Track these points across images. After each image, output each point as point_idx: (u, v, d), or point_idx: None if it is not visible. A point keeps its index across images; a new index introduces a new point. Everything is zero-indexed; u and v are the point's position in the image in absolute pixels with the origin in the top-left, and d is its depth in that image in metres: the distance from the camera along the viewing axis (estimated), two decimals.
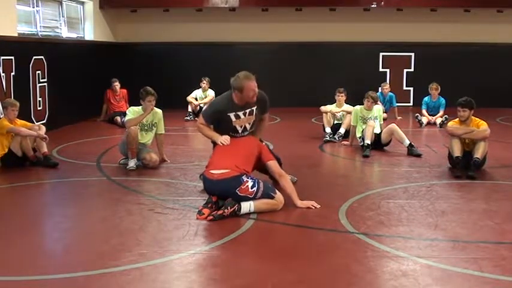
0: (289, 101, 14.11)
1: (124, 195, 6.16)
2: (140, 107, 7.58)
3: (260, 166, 5.88)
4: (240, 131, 5.89)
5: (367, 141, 8.51)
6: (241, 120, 5.84)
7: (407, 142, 8.46)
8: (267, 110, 6.18)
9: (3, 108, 8.02)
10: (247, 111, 5.85)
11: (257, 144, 5.82)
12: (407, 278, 3.88)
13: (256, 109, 5.91)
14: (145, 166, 7.44)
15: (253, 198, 5.31)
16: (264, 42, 14.77)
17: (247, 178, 5.34)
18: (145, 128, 7.63)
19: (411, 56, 14.93)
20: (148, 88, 7.60)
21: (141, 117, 7.47)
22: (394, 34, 14.72)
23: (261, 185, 5.38)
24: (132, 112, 7.55)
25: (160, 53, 14.77)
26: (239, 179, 5.30)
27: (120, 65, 14.19)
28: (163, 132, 7.83)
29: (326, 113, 9.96)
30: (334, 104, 10.10)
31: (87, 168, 7.55)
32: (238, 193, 5.27)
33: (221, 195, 5.35)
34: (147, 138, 7.66)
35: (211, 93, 12.88)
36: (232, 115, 5.79)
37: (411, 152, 8.34)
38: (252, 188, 5.29)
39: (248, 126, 5.92)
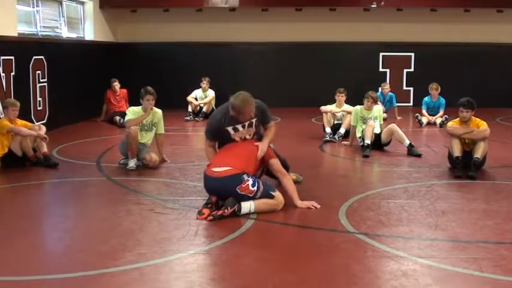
0: (289, 101, 14.11)
1: (124, 195, 6.16)
2: (140, 107, 7.60)
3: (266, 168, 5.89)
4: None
5: (367, 141, 8.50)
6: (240, 132, 5.76)
7: (407, 142, 8.46)
8: (268, 120, 5.94)
9: (3, 108, 8.02)
10: (246, 123, 5.75)
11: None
12: (407, 278, 3.88)
13: (255, 121, 5.80)
14: (145, 166, 7.44)
15: (253, 198, 5.32)
16: (264, 42, 14.77)
17: (248, 177, 5.35)
18: (145, 128, 7.63)
19: (411, 56, 14.93)
20: (149, 87, 7.63)
21: (142, 118, 7.48)
22: (394, 34, 14.72)
23: (261, 184, 5.39)
24: (132, 112, 7.56)
25: (160, 53, 14.77)
26: (240, 177, 5.30)
27: (120, 65, 14.20)
28: (163, 132, 7.83)
29: (326, 113, 9.96)
30: (334, 104, 10.09)
31: (87, 168, 7.55)
32: (239, 191, 5.26)
33: (221, 193, 5.36)
34: (147, 138, 7.66)
35: (211, 93, 12.87)
36: (230, 129, 5.72)
37: (411, 152, 8.34)
38: (252, 187, 5.29)
39: (248, 138, 5.84)
